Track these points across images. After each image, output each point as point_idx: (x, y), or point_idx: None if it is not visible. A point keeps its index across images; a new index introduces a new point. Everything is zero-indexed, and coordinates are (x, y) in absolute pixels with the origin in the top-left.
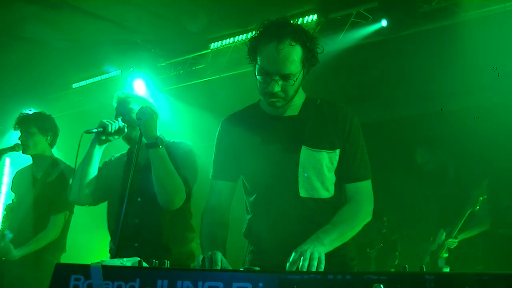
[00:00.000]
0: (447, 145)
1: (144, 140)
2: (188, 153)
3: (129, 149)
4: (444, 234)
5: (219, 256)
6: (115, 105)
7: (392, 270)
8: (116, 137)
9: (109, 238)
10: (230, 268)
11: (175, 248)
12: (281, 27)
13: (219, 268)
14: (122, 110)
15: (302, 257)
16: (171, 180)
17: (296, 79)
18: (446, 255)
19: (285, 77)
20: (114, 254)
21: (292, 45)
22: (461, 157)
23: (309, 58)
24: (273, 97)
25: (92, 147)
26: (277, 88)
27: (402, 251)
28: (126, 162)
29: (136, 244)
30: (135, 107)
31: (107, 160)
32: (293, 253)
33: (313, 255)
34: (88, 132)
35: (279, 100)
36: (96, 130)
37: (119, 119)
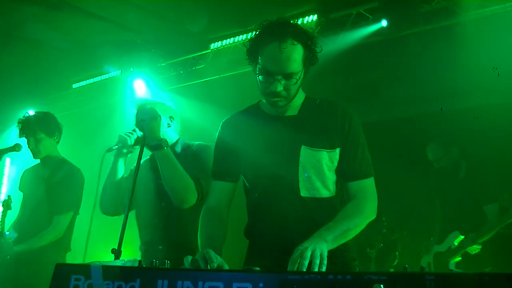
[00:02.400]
0: (462, 144)
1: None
2: (200, 151)
3: (151, 155)
4: (461, 237)
5: (212, 253)
6: (135, 112)
7: (392, 270)
8: (137, 147)
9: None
10: (226, 264)
11: (198, 249)
12: (282, 27)
13: (215, 264)
14: (140, 117)
15: (302, 256)
16: (180, 179)
17: (299, 78)
18: (459, 258)
19: (288, 76)
20: (143, 254)
21: (294, 44)
22: (473, 158)
23: (310, 57)
24: (275, 97)
25: (115, 161)
26: (279, 88)
27: (402, 251)
28: (150, 167)
29: (160, 247)
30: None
31: (132, 167)
32: (295, 251)
33: (315, 253)
34: (109, 150)
35: (282, 100)
36: (116, 147)
37: (137, 130)
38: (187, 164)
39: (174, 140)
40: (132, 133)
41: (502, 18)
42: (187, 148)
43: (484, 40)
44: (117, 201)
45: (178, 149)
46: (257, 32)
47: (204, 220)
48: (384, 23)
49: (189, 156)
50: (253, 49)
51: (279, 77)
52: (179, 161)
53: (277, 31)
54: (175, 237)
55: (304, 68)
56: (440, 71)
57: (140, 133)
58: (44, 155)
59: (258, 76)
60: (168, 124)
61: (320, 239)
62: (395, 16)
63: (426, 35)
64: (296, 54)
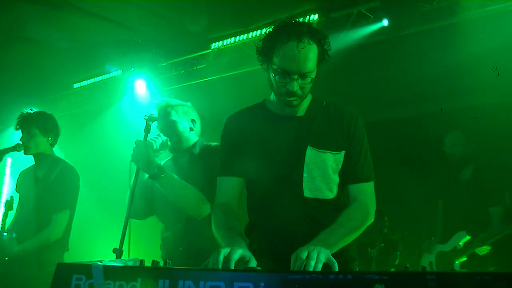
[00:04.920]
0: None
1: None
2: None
3: (173, 156)
4: (467, 238)
5: (236, 255)
6: (157, 115)
7: (393, 269)
8: (162, 151)
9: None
10: (254, 260)
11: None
12: (299, 26)
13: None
14: (163, 124)
15: (309, 256)
16: (187, 198)
17: (313, 77)
18: (465, 259)
19: (304, 76)
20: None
21: (310, 44)
22: (475, 158)
23: (323, 56)
24: (291, 96)
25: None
26: (296, 87)
27: (403, 250)
28: (171, 168)
29: (180, 248)
30: (176, 118)
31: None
32: (298, 251)
33: (320, 257)
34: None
35: (297, 99)
36: None
37: (161, 135)
38: (205, 164)
39: (192, 142)
40: (157, 138)
41: (502, 18)
42: (205, 149)
43: (485, 40)
44: (148, 206)
45: (196, 150)
46: (272, 32)
47: (218, 214)
48: (385, 22)
49: (206, 156)
50: (267, 49)
51: (296, 76)
52: (196, 162)
53: (294, 31)
54: (192, 238)
55: (317, 67)
56: (441, 71)
57: (164, 138)
58: (35, 152)
59: (273, 76)
60: (190, 128)
61: (323, 243)
62: (396, 15)
63: (427, 34)
64: (312, 53)
